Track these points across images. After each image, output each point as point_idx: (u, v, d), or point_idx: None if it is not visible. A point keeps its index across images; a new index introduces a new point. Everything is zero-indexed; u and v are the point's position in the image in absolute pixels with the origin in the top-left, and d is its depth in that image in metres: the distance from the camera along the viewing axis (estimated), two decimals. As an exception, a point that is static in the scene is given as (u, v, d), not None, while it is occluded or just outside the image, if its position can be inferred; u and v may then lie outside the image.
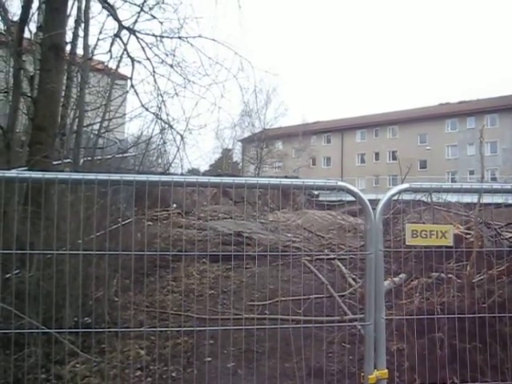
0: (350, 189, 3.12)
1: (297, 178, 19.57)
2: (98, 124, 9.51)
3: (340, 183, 3.23)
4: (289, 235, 10.67)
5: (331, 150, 70.15)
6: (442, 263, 4.77)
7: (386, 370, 3.22)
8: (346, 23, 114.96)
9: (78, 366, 4.43)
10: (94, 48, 9.44)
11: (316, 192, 24.37)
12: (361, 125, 67.50)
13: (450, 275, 4.64)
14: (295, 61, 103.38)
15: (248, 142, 58.63)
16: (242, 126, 52.18)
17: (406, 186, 3.28)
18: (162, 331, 4.85)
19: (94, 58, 9.80)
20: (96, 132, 9.53)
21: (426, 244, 3.22)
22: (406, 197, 5.66)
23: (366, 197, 3.08)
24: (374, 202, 3.26)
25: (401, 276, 4.81)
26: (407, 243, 3.25)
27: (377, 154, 66.82)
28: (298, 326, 4.36)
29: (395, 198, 3.25)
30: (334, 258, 6.31)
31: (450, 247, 4.73)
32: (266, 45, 49.18)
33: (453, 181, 54.65)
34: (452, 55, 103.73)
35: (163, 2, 9.49)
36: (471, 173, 56.81)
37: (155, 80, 9.56)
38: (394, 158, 63.22)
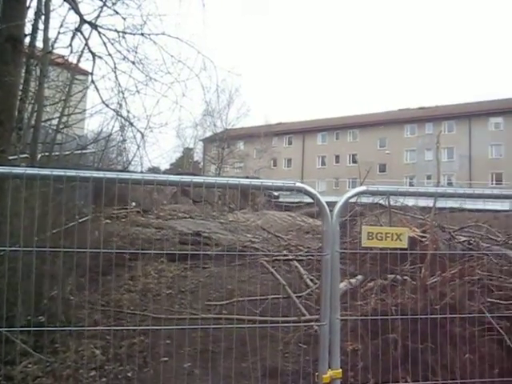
0: (307, 190, 3.13)
1: (258, 178, 19.68)
2: (57, 119, 9.32)
3: (298, 184, 3.24)
4: (248, 236, 10.70)
5: (292, 152, 70.61)
6: (397, 265, 4.87)
7: (340, 370, 3.25)
8: (309, 25, 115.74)
9: (29, 366, 4.33)
10: (55, 42, 9.24)
11: (276, 193, 24.51)
12: (322, 127, 68.13)
13: (405, 277, 4.72)
14: (258, 62, 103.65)
15: (209, 142, 58.47)
16: (203, 126, 52.12)
17: (363, 188, 3.31)
18: (117, 330, 4.78)
19: (54, 51, 9.59)
20: (54, 127, 9.34)
21: (382, 246, 3.26)
22: (365, 200, 5.76)
23: (323, 199, 3.10)
24: (334, 204, 3.28)
25: (357, 277, 4.87)
26: (363, 245, 3.29)
27: (337, 157, 67.57)
28: (254, 325, 4.36)
29: (352, 200, 3.28)
30: (292, 259, 6.34)
31: (405, 249, 4.84)
32: (229, 45, 49.20)
33: (411, 185, 55.67)
34: (412, 62, 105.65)
35: (126, -2, 9.36)
36: (429, 177, 58.03)
37: (116, 76, 9.41)
38: (354, 161, 64.05)
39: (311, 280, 6.14)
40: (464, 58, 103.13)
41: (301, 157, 70.21)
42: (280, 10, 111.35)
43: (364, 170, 9.09)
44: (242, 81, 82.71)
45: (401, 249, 4.50)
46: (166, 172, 31.93)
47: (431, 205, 6.15)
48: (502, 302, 4.80)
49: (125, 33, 9.20)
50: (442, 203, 6.41)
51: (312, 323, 4.27)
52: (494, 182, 55.61)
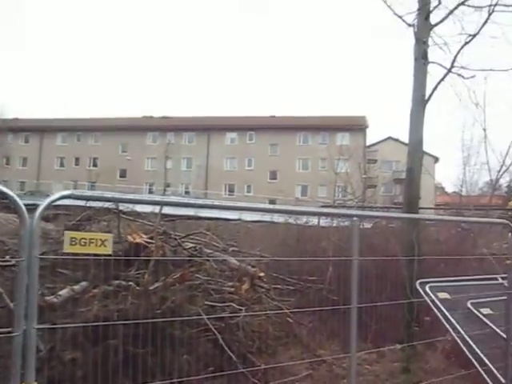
0: (2, 191, 2.87)
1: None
2: None
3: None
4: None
5: (29, 150, 66.26)
6: (123, 271, 4.89)
7: (36, 383, 3.03)
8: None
9: None
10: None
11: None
12: (63, 127, 65.29)
13: (129, 283, 4.76)
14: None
15: None
16: None
17: (68, 192, 3.13)
18: None
19: None
20: None
21: (86, 252, 3.18)
22: (94, 204, 5.66)
23: (25, 201, 2.89)
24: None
25: (81, 284, 4.74)
26: (65, 250, 3.16)
27: (77, 159, 65.48)
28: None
29: (59, 202, 3.09)
30: (13, 265, 5.91)
31: (132, 255, 4.90)
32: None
33: (150, 192, 56.62)
34: (158, 72, 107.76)
35: None
36: (168, 185, 59.78)
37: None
38: (95, 165, 62.88)
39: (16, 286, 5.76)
40: (204, 74, 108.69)
41: (38, 156, 66.32)
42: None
43: (105, 175, 8.97)
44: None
45: (127, 255, 4.56)
46: None
47: (171, 212, 6.33)
48: (219, 304, 5.15)
49: None
50: (176, 211, 6.64)
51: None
52: (228, 193, 59.72)
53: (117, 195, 3.81)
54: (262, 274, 5.87)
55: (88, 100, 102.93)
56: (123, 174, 62.27)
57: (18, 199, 2.82)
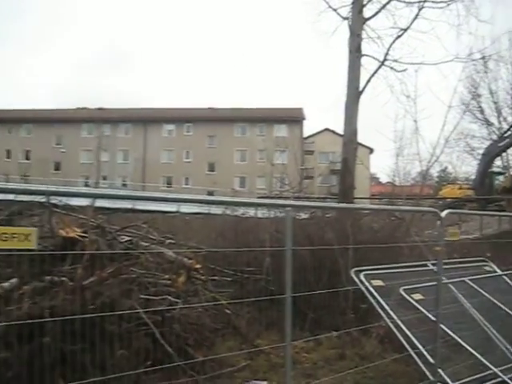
0: None
1: None
2: None
3: None
4: None
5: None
6: (56, 266, 4.76)
7: None
8: None
9: None
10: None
11: None
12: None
13: (63, 278, 4.64)
14: None
15: None
16: None
17: None
18: None
19: None
20: None
21: (7, 247, 3.07)
22: (25, 198, 5.47)
23: None
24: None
25: (12, 281, 4.58)
26: None
27: (8, 152, 63.17)
28: None
29: (11, 197, 3.01)
30: None
31: (65, 250, 4.78)
32: None
33: (86, 185, 55.34)
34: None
35: None
36: (104, 178, 58.68)
37: None
38: (28, 158, 60.93)
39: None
40: (141, 66, 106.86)
41: (-35, 149, 63.56)
42: None
43: (38, 167, 8.68)
44: None
45: (58, 249, 4.44)
46: None
47: (105, 205, 6.17)
48: (154, 297, 5.10)
49: None
50: (112, 204, 6.51)
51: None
52: (166, 185, 59.16)
53: (48, 188, 3.68)
54: (198, 266, 5.85)
55: (19, 90, 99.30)
56: (58, 167, 60.61)
57: None
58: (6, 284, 4.47)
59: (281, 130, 57.17)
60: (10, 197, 4.49)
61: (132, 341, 4.61)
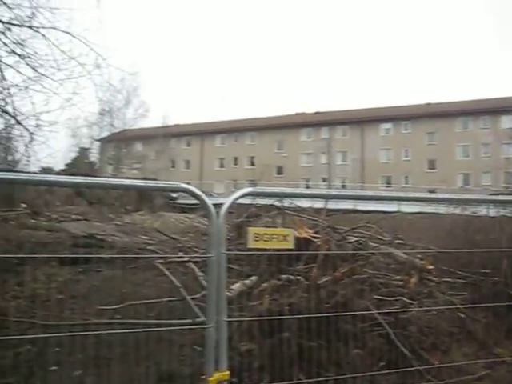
0: (192, 191, 3.07)
1: (155, 180, 19.29)
2: None
3: (183, 185, 3.20)
4: (144, 238, 10.51)
5: (191, 154, 70.41)
6: (291, 265, 4.98)
7: (227, 372, 3.24)
8: (208, 24, 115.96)
9: None
10: None
11: (175, 195, 24.28)
12: (221, 130, 68.48)
13: (298, 277, 4.83)
14: (159, 62, 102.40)
15: (106, 142, 56.87)
16: (100, 125, 50.49)
17: (249, 189, 3.32)
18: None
19: None
20: None
21: (268, 247, 3.30)
22: (260, 201, 5.84)
23: (214, 200, 3.09)
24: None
25: (252, 278, 4.92)
26: (249, 246, 3.30)
27: (236, 159, 68.19)
28: (148, 329, 4.28)
29: (241, 201, 3.28)
30: (187, 261, 6.30)
31: (299, 250, 4.96)
32: (128, 44, 48.06)
33: (307, 187, 57.21)
34: (307, 67, 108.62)
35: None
36: (324, 180, 60.05)
37: (1, 70, 8.86)
38: (253, 164, 64.99)
39: (207, 281, 6.11)
40: (357, 66, 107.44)
41: (199, 158, 70.19)
42: (177, 9, 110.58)
43: (262, 172, 9.21)
44: (141, 81, 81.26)
45: (293, 249, 4.63)
46: (59, 172, 30.66)
47: (330, 207, 6.33)
48: (387, 298, 5.04)
49: (11, 24, 8.68)
50: (335, 205, 6.63)
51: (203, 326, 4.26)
52: (384, 185, 58.44)
53: (286, 191, 3.90)
54: (431, 267, 5.64)
55: (241, 101, 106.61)
56: (280, 171, 63.63)
57: (206, 199, 3.02)
58: (247, 281, 4.80)
59: (508, 122, 52.75)
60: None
61: (366, 341, 4.60)
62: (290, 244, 3.31)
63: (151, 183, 3.46)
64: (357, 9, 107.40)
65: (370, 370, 4.34)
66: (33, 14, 8.58)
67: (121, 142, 52.90)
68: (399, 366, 4.47)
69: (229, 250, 4.06)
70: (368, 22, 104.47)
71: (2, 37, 8.63)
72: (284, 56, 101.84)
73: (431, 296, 5.48)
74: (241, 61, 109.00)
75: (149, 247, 8.25)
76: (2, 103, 8.89)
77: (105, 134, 53.49)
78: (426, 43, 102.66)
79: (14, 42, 8.70)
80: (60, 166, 38.98)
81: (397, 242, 6.25)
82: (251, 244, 3.24)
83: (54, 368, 4.25)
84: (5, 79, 8.84)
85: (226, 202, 3.08)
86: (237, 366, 4.02)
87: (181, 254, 6.64)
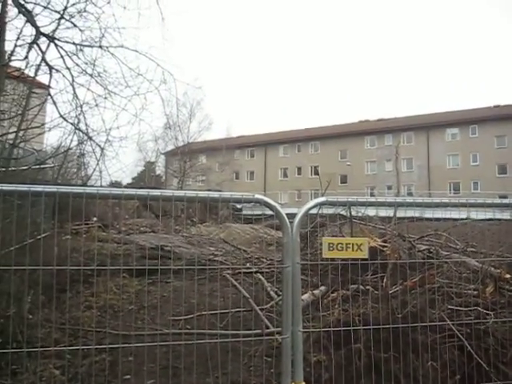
0: (267, 202, 3.10)
1: (220, 191, 19.46)
2: (14, 134, 9.10)
3: (257, 196, 3.22)
4: (211, 249, 10.62)
5: (254, 165, 70.85)
6: (359, 275, 4.89)
7: (304, 383, 3.23)
8: (270, 38, 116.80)
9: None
10: (11, 54, 9.02)
11: (239, 206, 24.45)
12: (284, 140, 68.64)
13: (367, 287, 4.74)
14: (221, 75, 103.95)
15: (171, 155, 58.16)
16: (165, 139, 51.66)
17: (323, 199, 3.31)
18: (73, 349, 4.62)
19: (10, 64, 9.36)
20: (11, 142, 9.11)
21: (343, 257, 3.26)
22: (326, 211, 5.78)
23: (284, 210, 3.09)
24: (294, 216, 3.26)
25: (320, 288, 4.87)
26: (324, 256, 3.28)
27: (299, 169, 68.07)
28: (217, 340, 4.31)
29: (313, 211, 3.28)
30: (255, 272, 6.32)
31: (367, 259, 4.87)
32: (191, 58, 49.05)
33: (371, 195, 56.39)
34: (371, 74, 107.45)
35: (85, 11, 9.22)
36: (389, 188, 58.99)
37: (74, 90, 9.26)
38: (316, 173, 64.66)
39: (275, 292, 6.12)
40: (420, 71, 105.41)
41: (263, 169, 70.53)
42: (241, 22, 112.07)
43: (325, 182, 9.14)
44: (204, 94, 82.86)
45: (362, 259, 4.55)
46: (127, 186, 31.49)
47: (391, 215, 6.21)
48: (461, 308, 4.86)
49: (82, 45, 9.07)
50: (401, 213, 6.50)
51: (275, 336, 4.25)
52: (452, 191, 56.79)
53: (359, 199, 3.83)
54: (508, 276, 5.41)
55: (303, 111, 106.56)
56: (344, 180, 62.98)
57: (280, 209, 3.02)
58: (316, 291, 4.76)
59: None
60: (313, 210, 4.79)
61: (440, 352, 4.45)
62: (364, 253, 3.28)
63: (226, 194, 3.48)
64: (421, 12, 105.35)
65: (445, 383, 4.20)
66: (102, 35, 8.92)
67: (185, 154, 53.85)
68: (476, 379, 4.30)
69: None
70: (430, 26, 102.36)
71: (75, 58, 9.02)
72: (346, 64, 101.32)
73: (509, 306, 5.25)
74: (302, 70, 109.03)
75: (216, 258, 8.33)
76: (76, 121, 9.25)
77: (170, 147, 54.70)
78: (492, 43, 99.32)
79: (85, 63, 9.07)
80: (127, 180, 40.15)
81: (469, 250, 6.04)
82: (326, 254, 3.22)
83: (127, 377, 4.33)
84: (77, 98, 9.20)
85: (299, 212, 3.09)
86: (307, 377, 3.97)
87: (248, 265, 6.67)
